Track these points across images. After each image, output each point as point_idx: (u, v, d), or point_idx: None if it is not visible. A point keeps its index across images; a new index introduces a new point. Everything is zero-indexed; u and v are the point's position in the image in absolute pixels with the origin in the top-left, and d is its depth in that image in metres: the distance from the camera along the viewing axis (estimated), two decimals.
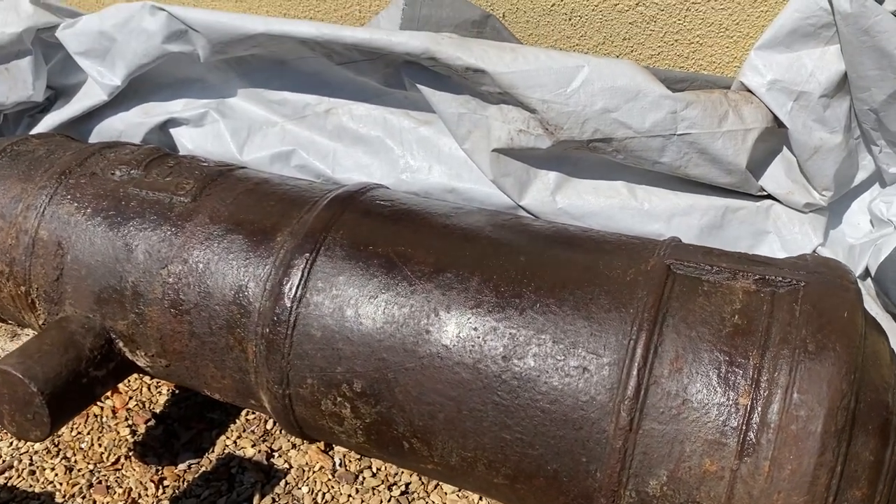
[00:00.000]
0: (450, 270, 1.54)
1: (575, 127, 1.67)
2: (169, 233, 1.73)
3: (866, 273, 1.67)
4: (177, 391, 2.18)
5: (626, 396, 1.35)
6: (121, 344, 1.80)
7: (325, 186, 1.82)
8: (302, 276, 1.59)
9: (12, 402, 1.66)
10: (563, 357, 1.41)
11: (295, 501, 1.86)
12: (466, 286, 1.51)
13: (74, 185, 1.85)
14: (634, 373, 1.35)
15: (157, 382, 2.20)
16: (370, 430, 1.59)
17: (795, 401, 1.27)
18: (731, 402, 1.31)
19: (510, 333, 1.45)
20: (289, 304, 1.58)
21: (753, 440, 1.28)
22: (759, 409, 1.29)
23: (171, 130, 2.16)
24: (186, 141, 2.14)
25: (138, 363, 1.82)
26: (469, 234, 1.63)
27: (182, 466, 1.96)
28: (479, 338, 1.47)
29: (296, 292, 1.58)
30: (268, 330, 1.59)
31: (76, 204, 1.81)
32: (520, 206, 1.86)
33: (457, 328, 1.48)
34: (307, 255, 1.60)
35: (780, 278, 1.42)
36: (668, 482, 1.34)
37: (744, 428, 1.29)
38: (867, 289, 1.68)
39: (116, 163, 1.89)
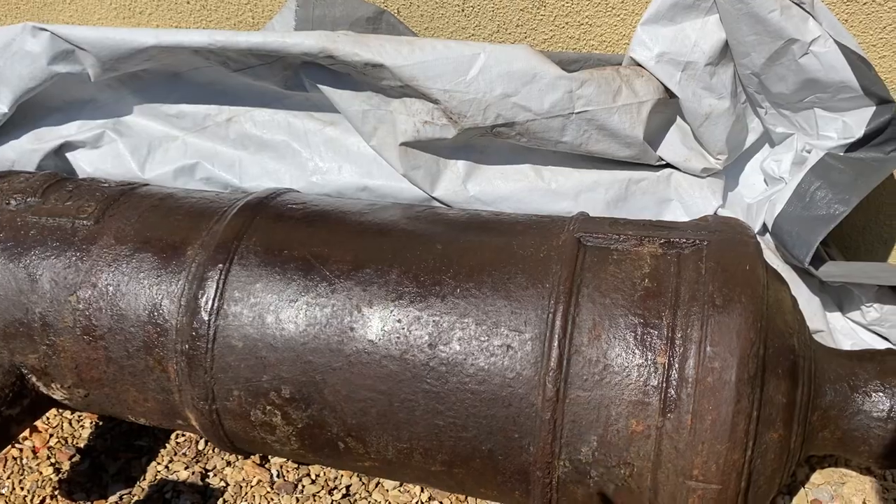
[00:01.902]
0: (369, 266, 1.54)
1: (478, 114, 1.70)
2: (74, 258, 1.67)
3: (764, 229, 1.75)
4: (101, 422, 2.10)
5: (549, 368, 1.38)
6: (34, 379, 1.72)
7: (233, 196, 1.79)
8: (217, 287, 1.56)
9: None
10: (487, 338, 1.44)
11: None
12: (386, 279, 1.52)
13: None
14: (556, 344, 1.39)
15: (79, 416, 2.12)
16: (303, 436, 1.58)
17: (709, 353, 1.32)
18: (649, 362, 1.36)
19: (434, 321, 1.47)
20: (206, 318, 1.55)
21: (674, 396, 1.33)
22: (677, 365, 1.34)
23: (68, 155, 2.08)
24: (85, 164, 2.06)
25: (55, 396, 1.75)
26: (384, 228, 1.64)
27: (113, 499, 1.90)
28: (403, 329, 1.48)
29: (212, 305, 1.55)
30: (187, 346, 1.56)
31: None
32: (433, 198, 1.87)
33: (381, 322, 1.49)
34: (221, 265, 1.58)
35: (684, 240, 1.48)
36: (599, 447, 1.38)
37: (664, 385, 1.34)
38: (766, 243, 1.76)
39: (11, 192, 1.81)
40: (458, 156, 1.85)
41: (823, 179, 1.64)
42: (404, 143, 1.79)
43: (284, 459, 1.95)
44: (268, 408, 1.55)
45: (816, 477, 1.81)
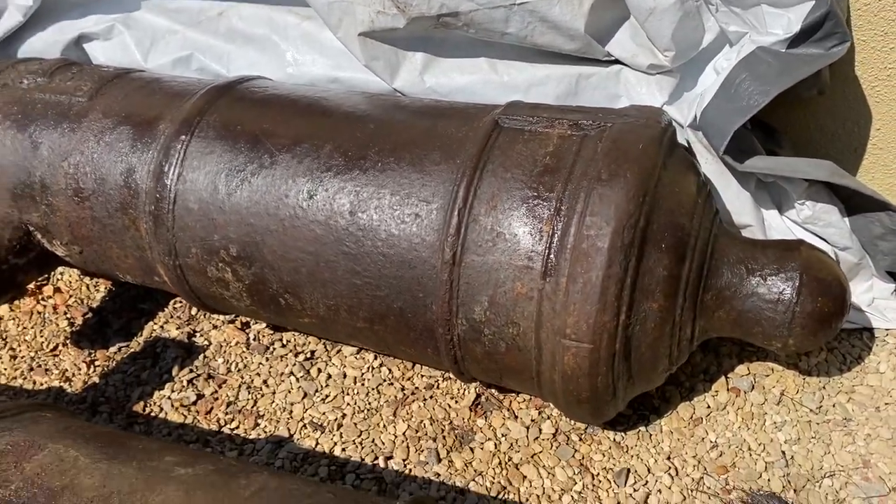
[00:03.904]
0: (306, 142, 1.70)
1: (423, 3, 1.79)
2: (67, 129, 1.90)
3: (696, 122, 1.79)
4: (113, 288, 2.38)
5: (448, 234, 1.51)
6: (39, 236, 1.99)
7: (209, 80, 1.97)
8: (179, 156, 1.76)
9: None
10: (399, 207, 1.57)
11: (211, 371, 2.07)
12: (319, 154, 1.67)
13: None
14: (456, 213, 1.51)
15: (96, 282, 2.40)
16: (252, 291, 1.77)
17: (587, 222, 1.42)
18: (536, 231, 1.46)
19: (355, 191, 1.61)
20: (168, 183, 1.75)
21: (554, 261, 1.44)
22: (559, 233, 1.44)
23: (85, 46, 2.32)
24: (99, 54, 2.29)
25: (57, 253, 2.02)
26: (328, 110, 1.78)
27: (112, 349, 2.17)
28: (329, 197, 1.63)
29: (174, 171, 1.75)
30: (153, 207, 1.77)
31: None
32: (394, 90, 1.99)
33: (310, 191, 1.64)
34: (183, 137, 1.77)
35: (591, 122, 1.55)
36: (490, 307, 1.51)
37: (547, 252, 1.45)
38: (700, 139, 1.80)
39: (26, 73, 2.05)
40: (416, 48, 1.95)
41: (749, 72, 1.66)
42: (363, 34, 1.91)
43: (263, 325, 2.17)
44: (220, 264, 1.76)
45: (741, 368, 1.87)
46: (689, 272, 1.50)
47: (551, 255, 1.44)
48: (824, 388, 1.82)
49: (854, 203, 1.79)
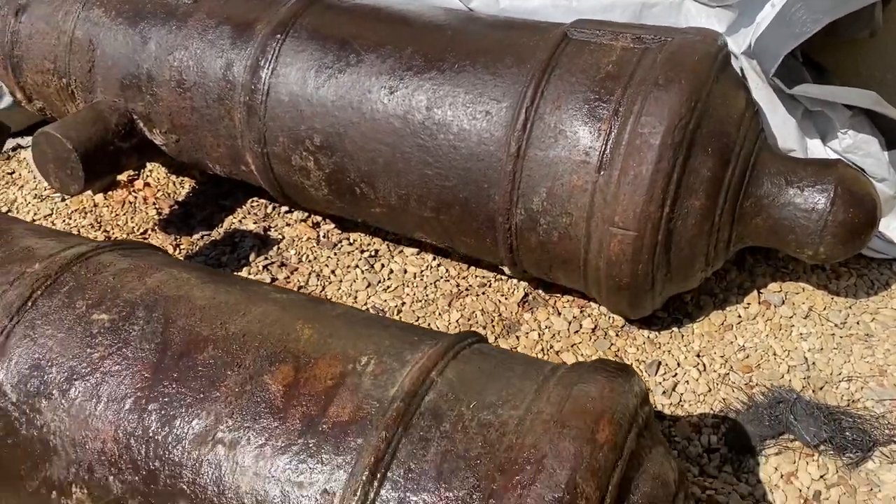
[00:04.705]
0: (390, 44, 1.87)
1: None
2: (174, 27, 2.10)
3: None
4: (196, 186, 2.61)
5: (515, 130, 1.68)
6: (141, 124, 2.21)
7: None
8: (274, 53, 1.95)
9: (55, 161, 2.10)
10: (472, 105, 1.75)
11: (283, 260, 2.28)
12: (401, 55, 1.85)
13: None
14: (524, 111, 1.68)
15: (181, 179, 2.63)
16: (330, 181, 1.97)
17: (642, 121, 1.57)
18: (595, 129, 1.63)
19: (433, 89, 1.79)
20: (263, 76, 1.95)
21: (609, 156, 1.60)
22: (615, 131, 1.60)
23: None
24: None
25: (156, 141, 2.24)
26: (410, 19, 1.96)
27: (196, 236, 2.39)
28: (408, 94, 1.81)
29: (269, 66, 1.94)
30: (248, 98, 1.97)
31: (103, 9, 2.20)
32: (470, 10, 2.15)
33: (391, 87, 1.82)
34: (279, 36, 1.96)
35: (653, 37, 1.70)
36: (547, 198, 1.68)
37: (603, 148, 1.61)
38: (754, 67, 1.92)
39: None
40: None
41: (804, 2, 1.77)
42: None
43: (332, 226, 2.37)
44: (304, 153, 1.95)
45: (773, 286, 2.01)
46: (731, 177, 1.65)
47: (607, 151, 1.60)
48: (850, 307, 1.95)
49: (895, 137, 1.90)
